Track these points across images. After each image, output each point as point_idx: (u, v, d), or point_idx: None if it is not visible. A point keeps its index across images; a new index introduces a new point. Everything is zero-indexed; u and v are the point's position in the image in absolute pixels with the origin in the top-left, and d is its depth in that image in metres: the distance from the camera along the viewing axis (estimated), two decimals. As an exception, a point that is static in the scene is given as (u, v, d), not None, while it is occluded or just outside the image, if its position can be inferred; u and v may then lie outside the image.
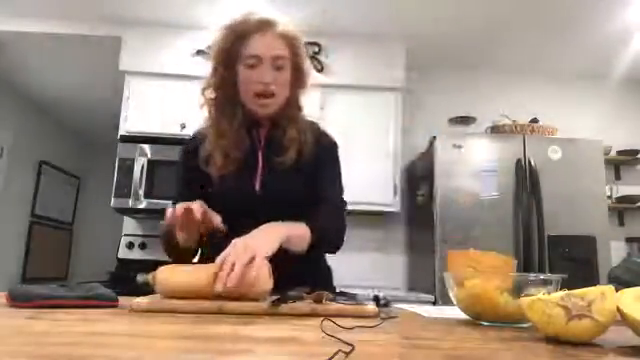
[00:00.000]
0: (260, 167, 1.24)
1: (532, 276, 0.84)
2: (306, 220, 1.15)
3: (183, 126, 3.03)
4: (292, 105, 1.29)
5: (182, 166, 1.33)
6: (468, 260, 0.96)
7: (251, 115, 1.26)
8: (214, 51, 1.25)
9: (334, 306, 0.88)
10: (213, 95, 1.27)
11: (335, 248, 1.28)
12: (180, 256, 1.22)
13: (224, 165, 1.21)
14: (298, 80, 1.28)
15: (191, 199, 1.12)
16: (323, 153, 1.30)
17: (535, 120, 3.19)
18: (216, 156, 1.21)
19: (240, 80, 1.22)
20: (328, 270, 1.37)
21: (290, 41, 1.23)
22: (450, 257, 1.01)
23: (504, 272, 0.90)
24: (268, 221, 1.16)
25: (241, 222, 1.14)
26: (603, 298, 0.62)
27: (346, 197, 1.34)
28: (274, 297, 0.88)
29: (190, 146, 1.31)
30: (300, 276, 1.04)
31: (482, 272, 0.88)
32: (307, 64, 1.29)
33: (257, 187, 1.22)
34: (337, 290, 1.29)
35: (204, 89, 1.27)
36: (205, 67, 1.31)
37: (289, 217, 1.22)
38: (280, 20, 1.24)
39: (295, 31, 1.25)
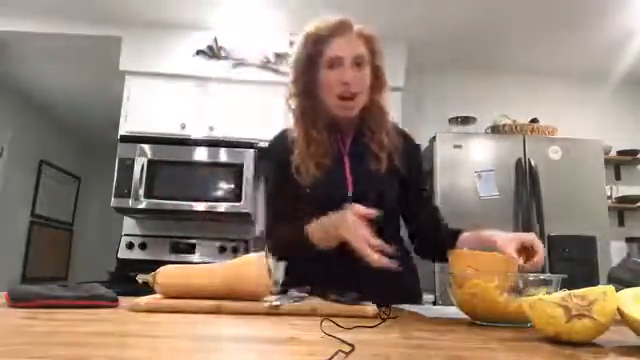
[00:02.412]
0: (348, 173, 1.24)
1: (532, 276, 0.84)
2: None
3: (183, 126, 3.03)
4: (376, 109, 1.27)
5: (275, 163, 1.31)
6: (470, 260, 0.95)
7: (335, 119, 1.25)
8: (295, 58, 1.25)
9: (334, 306, 0.88)
10: (297, 103, 1.26)
11: None
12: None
13: (315, 173, 1.20)
14: (378, 81, 1.26)
15: (286, 201, 1.21)
16: (413, 157, 1.33)
17: (535, 120, 3.19)
18: (308, 164, 1.20)
19: (321, 83, 1.21)
20: (415, 271, 1.38)
21: (368, 41, 1.23)
22: (452, 257, 1.01)
23: (504, 272, 0.89)
24: None
25: None
26: (603, 298, 0.62)
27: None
28: (274, 297, 0.88)
29: (278, 144, 1.30)
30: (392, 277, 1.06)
31: (482, 272, 0.88)
32: (384, 65, 1.27)
33: (350, 193, 1.22)
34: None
35: (288, 98, 1.27)
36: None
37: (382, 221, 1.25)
38: (356, 22, 1.23)
39: (373, 32, 1.24)
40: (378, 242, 0.99)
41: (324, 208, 1.16)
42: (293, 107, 1.27)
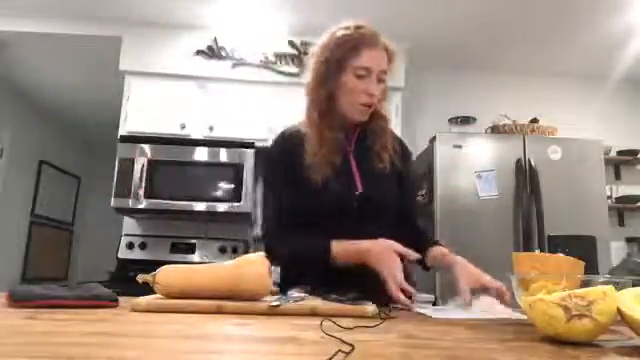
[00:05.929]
0: (355, 172, 1.28)
1: (602, 278, 0.79)
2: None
3: (183, 126, 3.03)
4: (380, 115, 1.33)
5: (279, 165, 1.31)
6: (536, 262, 0.92)
7: (345, 121, 1.29)
8: (323, 58, 1.26)
9: (334, 306, 0.88)
10: (316, 102, 1.28)
11: None
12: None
13: (327, 172, 1.22)
14: (385, 91, 1.32)
15: (293, 201, 1.21)
16: (408, 165, 1.40)
17: (535, 120, 3.19)
18: (320, 162, 1.23)
19: (346, 89, 1.24)
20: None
21: (390, 55, 1.27)
22: (517, 259, 0.97)
23: (571, 274, 0.84)
24: (369, 224, 1.21)
25: (342, 225, 1.19)
26: (603, 298, 0.62)
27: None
28: (274, 297, 0.88)
29: (280, 146, 1.32)
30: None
31: (547, 273, 0.84)
32: None
33: (359, 190, 1.25)
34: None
35: (308, 93, 1.30)
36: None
37: (387, 220, 1.27)
38: (381, 33, 1.28)
39: (393, 46, 1.29)
40: (410, 288, 1.04)
41: (334, 207, 1.20)
42: (311, 103, 1.29)
